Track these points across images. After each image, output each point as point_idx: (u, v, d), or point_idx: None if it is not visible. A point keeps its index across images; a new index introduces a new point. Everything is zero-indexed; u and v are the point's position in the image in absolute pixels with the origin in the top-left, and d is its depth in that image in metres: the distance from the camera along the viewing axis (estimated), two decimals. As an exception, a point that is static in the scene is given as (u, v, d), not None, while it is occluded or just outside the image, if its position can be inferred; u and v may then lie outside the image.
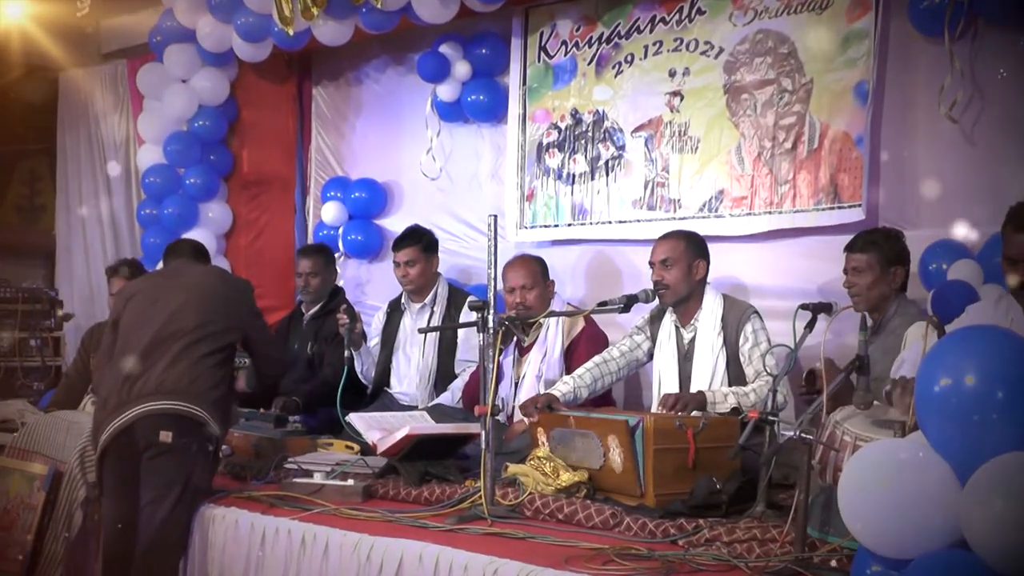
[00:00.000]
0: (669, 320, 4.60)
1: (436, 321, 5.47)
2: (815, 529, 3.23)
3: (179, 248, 4.85)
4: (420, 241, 5.52)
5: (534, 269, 5.10)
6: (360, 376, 5.49)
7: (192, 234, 7.08)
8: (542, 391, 4.68)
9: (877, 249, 4.19)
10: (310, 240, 7.17)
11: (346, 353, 5.18)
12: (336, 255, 6.76)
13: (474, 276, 6.25)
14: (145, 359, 4.14)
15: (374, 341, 5.65)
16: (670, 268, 4.48)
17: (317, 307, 5.96)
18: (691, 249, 4.52)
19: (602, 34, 5.83)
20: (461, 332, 5.38)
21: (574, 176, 5.92)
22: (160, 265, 5.23)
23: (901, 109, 4.85)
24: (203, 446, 4.12)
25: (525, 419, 4.39)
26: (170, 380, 4.09)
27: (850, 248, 4.27)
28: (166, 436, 4.01)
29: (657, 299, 4.52)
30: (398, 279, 5.56)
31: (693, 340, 4.49)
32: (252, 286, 4.66)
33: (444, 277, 5.65)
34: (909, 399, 2.99)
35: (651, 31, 5.63)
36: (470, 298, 5.27)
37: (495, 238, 3.90)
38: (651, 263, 4.56)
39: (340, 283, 6.59)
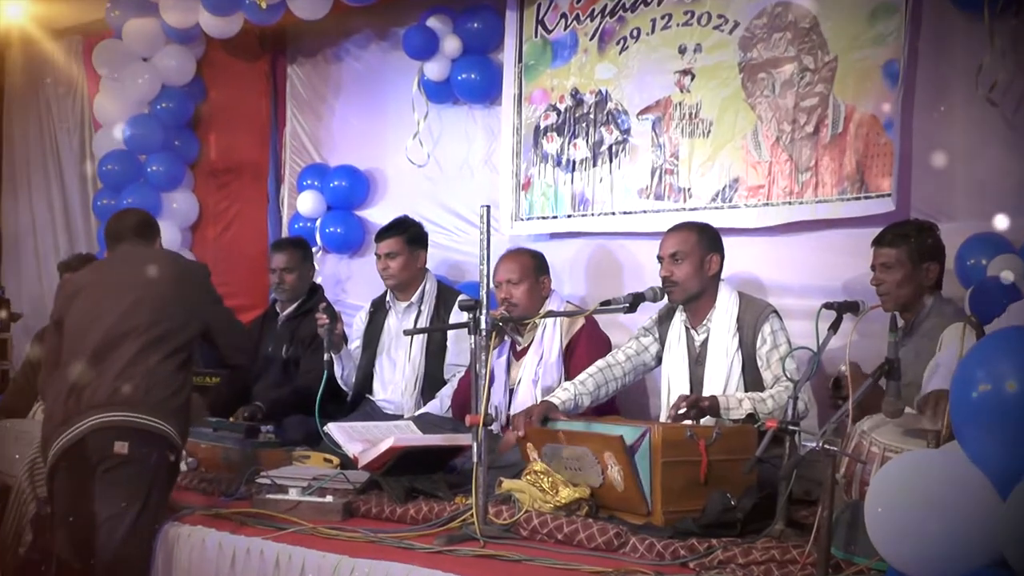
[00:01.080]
0: (679, 320, 4.60)
1: (423, 321, 5.47)
2: (839, 549, 3.23)
3: (121, 229, 4.56)
4: (405, 232, 5.54)
5: (524, 262, 5.11)
6: (340, 382, 5.48)
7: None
8: (539, 398, 4.69)
9: (908, 243, 4.19)
10: (284, 233, 7.16)
11: (325, 356, 5.17)
12: (313, 249, 6.75)
13: (467, 272, 6.25)
14: (95, 365, 4.09)
15: (355, 343, 5.64)
16: (680, 263, 4.48)
17: (293, 307, 5.95)
18: (704, 242, 4.53)
19: (605, 6, 5.82)
20: (451, 334, 5.38)
21: (574, 163, 5.92)
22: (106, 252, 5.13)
23: (935, 90, 4.85)
24: (163, 456, 4.09)
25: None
26: (124, 389, 4.04)
27: (878, 242, 4.28)
28: (121, 447, 3.97)
29: (666, 297, 4.52)
30: (379, 273, 5.56)
31: (705, 342, 4.49)
32: (208, 270, 4.60)
33: (432, 273, 5.65)
34: (942, 413, 3.00)
35: (659, 3, 5.63)
36: (460, 296, 5.27)
37: (488, 231, 3.90)
38: (659, 257, 4.56)
39: (318, 280, 6.59)
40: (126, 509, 3.98)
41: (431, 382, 5.42)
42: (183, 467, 4.58)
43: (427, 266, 5.64)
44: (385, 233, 5.57)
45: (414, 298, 5.53)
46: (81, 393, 4.05)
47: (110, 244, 4.59)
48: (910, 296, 4.18)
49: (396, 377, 5.50)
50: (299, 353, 5.77)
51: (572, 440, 4.03)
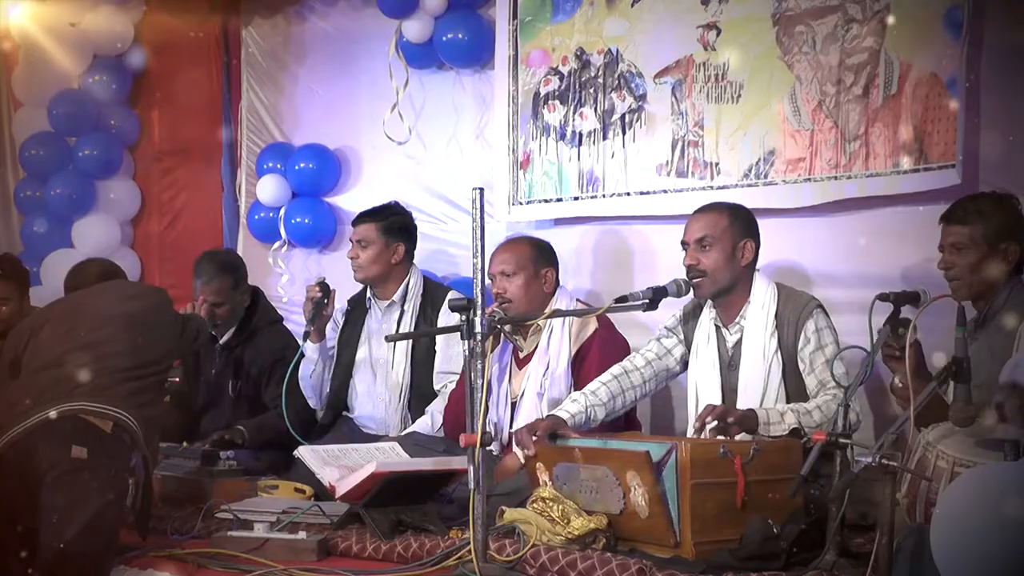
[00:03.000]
0: (708, 319, 4.61)
1: (407, 322, 5.48)
2: (902, 582, 3.24)
3: (80, 284, 4.91)
4: (383, 219, 5.55)
5: (520, 251, 5.12)
6: (305, 386, 5.45)
7: (90, 220, 7.09)
8: (545, 413, 4.69)
9: (983, 220, 4.13)
10: (242, 226, 7.16)
11: (304, 330, 5.30)
12: (277, 244, 6.76)
13: (458, 266, 6.28)
14: (62, 370, 4.20)
15: (330, 344, 5.62)
16: (708, 251, 4.48)
17: (231, 332, 5.85)
18: (736, 226, 4.53)
19: (614, -50, 5.85)
20: (440, 336, 5.38)
21: (581, 135, 5.93)
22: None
23: (1007, 42, 4.83)
24: (122, 473, 4.08)
25: (518, 450, 4.39)
26: (88, 387, 4.14)
27: (947, 218, 4.21)
28: (79, 452, 3.99)
29: (692, 292, 4.52)
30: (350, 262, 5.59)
31: (739, 343, 4.50)
32: (168, 296, 4.80)
33: (418, 268, 5.66)
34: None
35: (677, -55, 5.65)
36: (450, 294, 5.29)
37: (481, 217, 3.89)
38: (684, 244, 4.56)
39: (283, 279, 6.59)
40: (77, 513, 3.94)
41: (419, 394, 5.43)
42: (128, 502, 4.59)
43: (415, 264, 5.64)
44: (360, 217, 5.61)
45: (396, 296, 5.54)
46: (39, 394, 4.12)
47: (68, 290, 4.99)
48: (984, 282, 4.13)
49: (378, 389, 5.51)
50: (249, 391, 5.74)
51: (590, 458, 4.03)
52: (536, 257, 5.13)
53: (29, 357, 4.39)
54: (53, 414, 4.03)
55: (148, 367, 4.38)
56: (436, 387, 5.42)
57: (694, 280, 4.49)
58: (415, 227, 5.69)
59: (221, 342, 5.85)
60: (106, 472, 4.05)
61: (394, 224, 5.57)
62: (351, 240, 5.60)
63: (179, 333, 4.69)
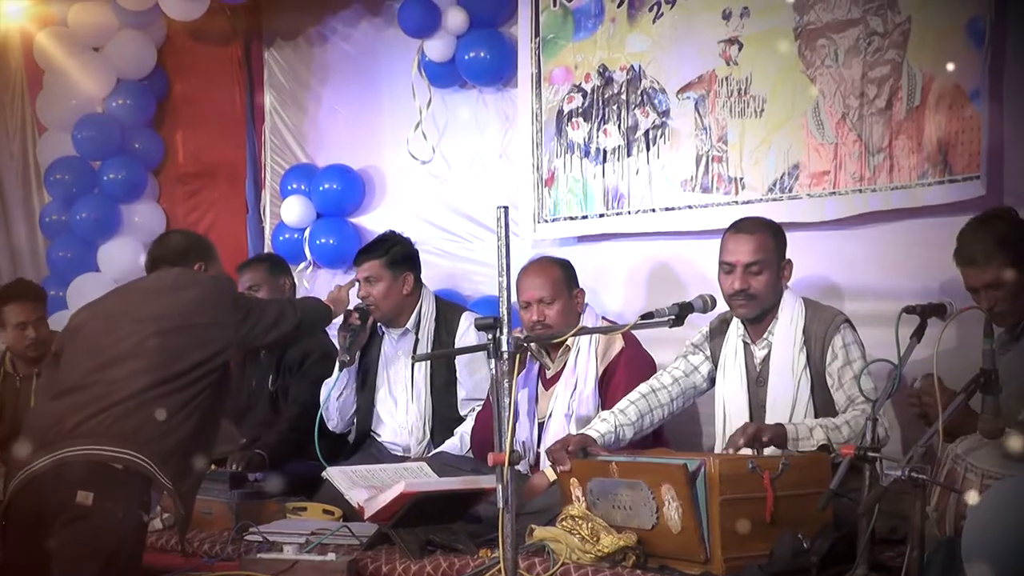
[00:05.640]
0: (736, 334, 4.60)
1: (423, 350, 5.46)
2: (934, 596, 3.24)
3: (157, 254, 4.59)
4: (385, 253, 5.50)
5: (555, 276, 5.11)
6: (328, 407, 5.43)
7: (116, 243, 7.14)
8: (574, 433, 4.69)
9: (1007, 250, 3.98)
10: (267, 247, 7.21)
11: (339, 358, 5.29)
12: (303, 265, 6.79)
13: (482, 286, 6.29)
14: (80, 396, 4.04)
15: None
16: (760, 275, 4.45)
17: None
18: (780, 247, 4.53)
19: (635, -34, 5.88)
20: (461, 365, 5.40)
21: (605, 152, 5.94)
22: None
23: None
24: (133, 512, 3.97)
25: (546, 469, 4.39)
26: (109, 419, 3.97)
27: (971, 262, 4.10)
28: (84, 497, 3.87)
29: (734, 312, 4.51)
30: (359, 299, 5.51)
31: (767, 359, 4.50)
32: (232, 284, 4.53)
33: (430, 291, 5.64)
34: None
35: (697, -39, 5.67)
36: (465, 315, 5.34)
37: (506, 235, 3.90)
38: (728, 264, 4.51)
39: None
40: (86, 559, 3.89)
41: (442, 421, 5.43)
42: (158, 524, 4.61)
43: (425, 284, 5.61)
44: (362, 254, 5.58)
45: (409, 324, 5.52)
46: (58, 424, 3.99)
47: (148, 269, 4.66)
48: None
49: (399, 417, 5.52)
50: (287, 383, 5.79)
51: (625, 472, 4.04)
52: (568, 279, 5.13)
53: (66, 358, 4.25)
54: (60, 456, 3.92)
55: (183, 376, 4.10)
56: (462, 412, 5.43)
57: (741, 303, 4.47)
58: (417, 253, 5.65)
59: None
60: (115, 515, 3.93)
61: (397, 255, 5.52)
62: (357, 280, 5.53)
63: (226, 326, 4.28)
